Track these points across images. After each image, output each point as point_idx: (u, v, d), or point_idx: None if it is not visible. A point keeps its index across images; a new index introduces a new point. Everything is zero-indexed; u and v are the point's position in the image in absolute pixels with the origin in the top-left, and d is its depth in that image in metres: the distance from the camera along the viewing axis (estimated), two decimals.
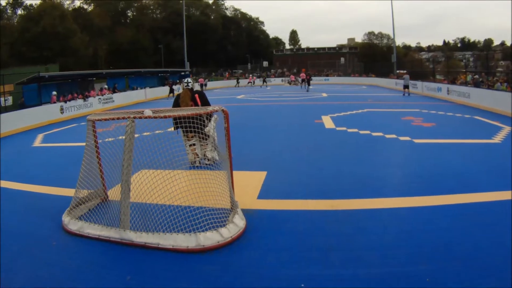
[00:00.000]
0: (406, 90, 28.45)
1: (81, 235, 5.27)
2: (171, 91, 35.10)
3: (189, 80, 9.10)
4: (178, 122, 5.90)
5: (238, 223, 5.14)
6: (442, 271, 3.96)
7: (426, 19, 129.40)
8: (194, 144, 8.53)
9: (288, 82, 54.42)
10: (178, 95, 8.96)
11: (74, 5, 73.88)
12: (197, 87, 40.27)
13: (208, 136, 7.75)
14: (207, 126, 7.24)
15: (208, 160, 8.22)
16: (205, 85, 49.87)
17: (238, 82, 54.28)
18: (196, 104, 8.48)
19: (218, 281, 4.00)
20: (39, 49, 58.47)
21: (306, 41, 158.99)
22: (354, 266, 4.16)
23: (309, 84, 38.77)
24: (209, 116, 7.48)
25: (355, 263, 4.22)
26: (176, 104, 8.67)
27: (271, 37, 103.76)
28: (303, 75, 44.50)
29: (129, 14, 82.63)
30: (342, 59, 71.65)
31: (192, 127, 5.55)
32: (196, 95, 8.68)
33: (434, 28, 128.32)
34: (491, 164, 8.12)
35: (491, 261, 4.11)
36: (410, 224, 5.27)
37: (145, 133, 5.52)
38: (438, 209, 5.74)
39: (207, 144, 8.29)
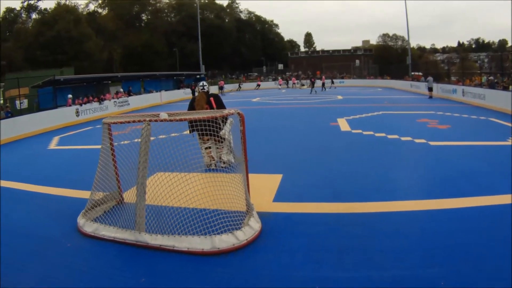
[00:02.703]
0: (430, 93, 28.07)
1: (96, 237, 5.30)
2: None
3: (205, 83, 9.11)
4: (193, 125, 5.91)
5: (253, 226, 5.12)
6: (455, 274, 3.92)
7: (440, 20, 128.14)
8: (209, 147, 8.53)
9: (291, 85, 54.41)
10: (194, 98, 8.97)
11: (88, 9, 74.70)
12: (214, 89, 40.73)
13: (224, 139, 7.75)
14: (222, 129, 7.24)
15: (224, 163, 8.21)
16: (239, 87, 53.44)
17: (240, 87, 54.24)
18: (212, 107, 8.49)
19: (233, 283, 3.99)
20: (54, 53, 59.02)
21: (321, 43, 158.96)
22: (367, 269, 4.14)
23: (313, 87, 39.59)
24: (224, 119, 7.48)
25: (368, 266, 4.20)
26: (192, 107, 8.68)
27: (285, 39, 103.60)
28: (323, 77, 45.52)
29: (143, 18, 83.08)
30: (357, 61, 71.50)
31: (208, 130, 5.56)
32: (212, 98, 8.68)
33: (449, 29, 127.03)
34: (506, 167, 7.96)
35: (506, 264, 4.04)
36: (424, 226, 5.22)
37: (160, 136, 5.52)
38: (453, 212, 5.67)
39: (222, 147, 8.28)
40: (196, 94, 8.94)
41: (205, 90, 8.87)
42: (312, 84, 39.91)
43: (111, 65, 67.10)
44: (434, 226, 5.20)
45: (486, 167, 8.08)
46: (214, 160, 8.54)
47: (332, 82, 48.43)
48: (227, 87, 50.36)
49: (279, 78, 58.31)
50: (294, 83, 53.89)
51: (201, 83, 9.08)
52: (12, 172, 9.72)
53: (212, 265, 4.38)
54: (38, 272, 4.42)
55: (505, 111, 17.15)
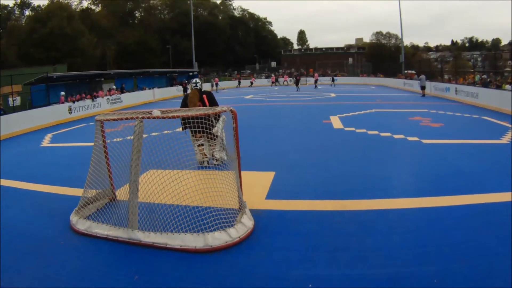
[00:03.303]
0: (422, 91, 28.15)
1: (89, 234, 5.28)
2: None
3: (198, 80, 9.11)
4: (186, 122, 5.90)
5: (246, 223, 5.13)
6: (449, 272, 3.93)
7: (434, 19, 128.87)
8: (202, 144, 8.53)
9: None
10: (186, 96, 8.96)
11: (82, 6, 74.18)
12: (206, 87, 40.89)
13: (217, 136, 7.74)
14: (215, 126, 7.24)
15: (217, 160, 8.20)
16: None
17: (239, 83, 54.32)
18: (204, 105, 8.48)
19: (226, 281, 3.99)
20: (47, 50, 58.46)
21: (314, 41, 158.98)
22: (361, 267, 4.14)
23: (297, 84, 40.53)
24: (217, 116, 7.47)
25: (362, 264, 4.20)
26: (184, 104, 8.67)
27: (279, 37, 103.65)
28: (316, 75, 46.05)
29: (136, 15, 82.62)
30: (350, 59, 71.65)
31: (200, 127, 5.55)
32: (204, 96, 8.69)
33: (442, 28, 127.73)
34: (499, 165, 8.02)
35: (499, 262, 4.07)
36: (417, 224, 5.23)
37: (153, 133, 5.52)
38: (446, 210, 5.70)
39: (215, 144, 8.27)
40: (189, 91, 8.92)
41: (198, 87, 8.86)
42: (297, 81, 40.28)
43: (104, 62, 66.65)
44: (427, 223, 5.23)
45: (479, 165, 8.12)
46: (206, 157, 8.53)
47: (333, 80, 48.64)
48: (221, 84, 50.27)
49: (272, 75, 58.39)
50: (285, 81, 54.03)
51: (193, 80, 9.07)
52: (5, 170, 9.66)
53: (205, 263, 4.38)
54: (31, 270, 4.40)
55: (498, 109, 17.26)
